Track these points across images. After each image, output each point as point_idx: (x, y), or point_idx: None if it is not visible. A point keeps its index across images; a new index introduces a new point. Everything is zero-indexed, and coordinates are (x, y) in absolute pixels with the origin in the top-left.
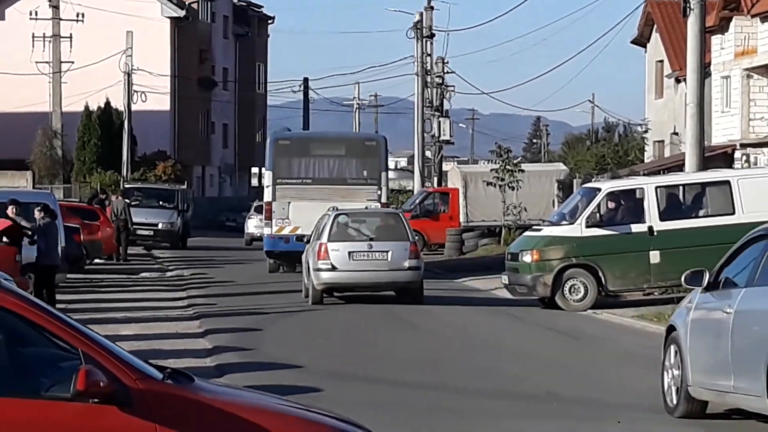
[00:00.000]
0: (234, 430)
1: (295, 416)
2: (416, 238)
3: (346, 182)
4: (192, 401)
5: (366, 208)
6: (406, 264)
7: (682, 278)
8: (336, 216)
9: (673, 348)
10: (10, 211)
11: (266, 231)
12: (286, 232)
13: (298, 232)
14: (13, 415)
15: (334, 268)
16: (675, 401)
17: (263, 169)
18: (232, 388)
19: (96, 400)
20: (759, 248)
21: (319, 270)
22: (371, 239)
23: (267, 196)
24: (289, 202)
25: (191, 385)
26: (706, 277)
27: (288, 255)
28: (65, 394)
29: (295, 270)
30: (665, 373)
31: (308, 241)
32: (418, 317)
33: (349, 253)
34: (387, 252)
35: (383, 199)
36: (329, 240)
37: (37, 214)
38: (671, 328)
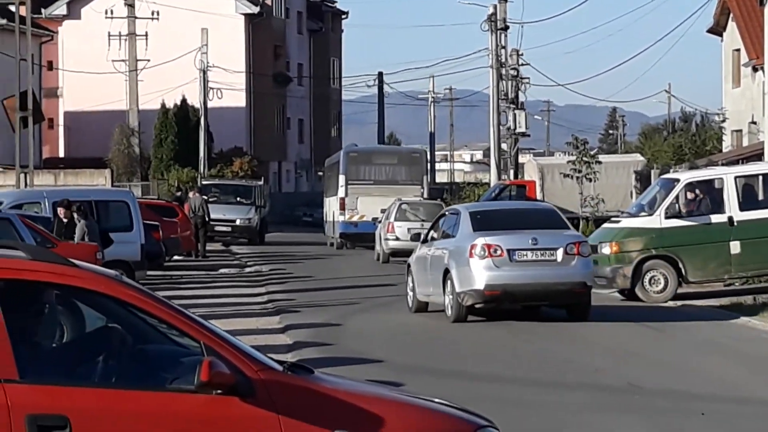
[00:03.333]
0: (355, 419)
1: (415, 406)
2: None
3: (398, 183)
4: (313, 391)
5: (420, 199)
6: None
7: (410, 236)
8: (400, 204)
9: (410, 276)
10: (61, 213)
11: (340, 218)
12: (355, 219)
13: (365, 219)
14: (142, 408)
15: (397, 239)
16: (411, 304)
17: (339, 174)
18: (350, 379)
19: (219, 391)
20: (441, 221)
21: (387, 240)
22: (423, 220)
23: (341, 193)
24: (357, 197)
25: (311, 376)
26: (422, 236)
27: (356, 236)
28: (189, 386)
29: (354, 248)
30: (407, 289)
31: (379, 221)
32: (497, 310)
33: (408, 229)
34: None
35: (425, 195)
36: (395, 220)
37: (76, 215)
38: (408, 265)
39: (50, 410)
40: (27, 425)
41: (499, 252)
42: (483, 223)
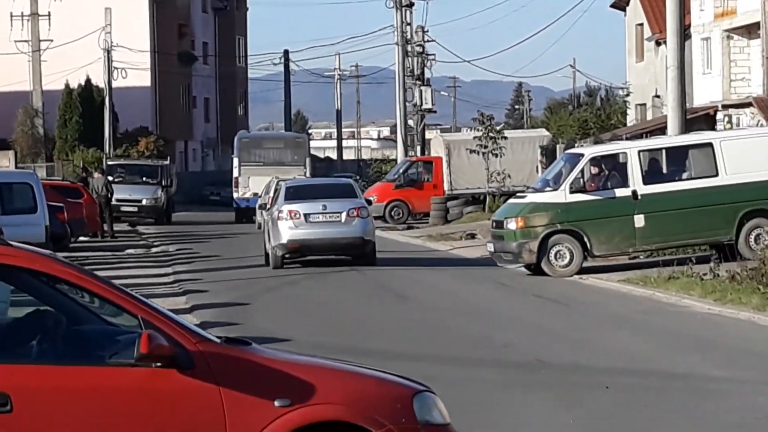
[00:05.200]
0: (295, 388)
1: (354, 373)
2: None
3: (284, 164)
4: (252, 362)
5: (294, 177)
6: None
7: (257, 205)
8: (278, 181)
9: (264, 234)
10: None
11: (235, 195)
12: (247, 195)
13: (255, 195)
14: (83, 383)
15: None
16: (266, 258)
17: (233, 156)
18: (286, 351)
19: (159, 364)
20: (276, 193)
21: (261, 207)
22: None
23: (235, 173)
24: (249, 177)
25: (249, 348)
26: (267, 205)
27: (248, 209)
28: (128, 360)
29: (252, 220)
30: (264, 244)
31: (260, 196)
32: (407, 287)
33: None
34: None
35: (308, 174)
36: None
37: None
38: (260, 225)
39: None
40: None
41: (298, 216)
42: (293, 194)
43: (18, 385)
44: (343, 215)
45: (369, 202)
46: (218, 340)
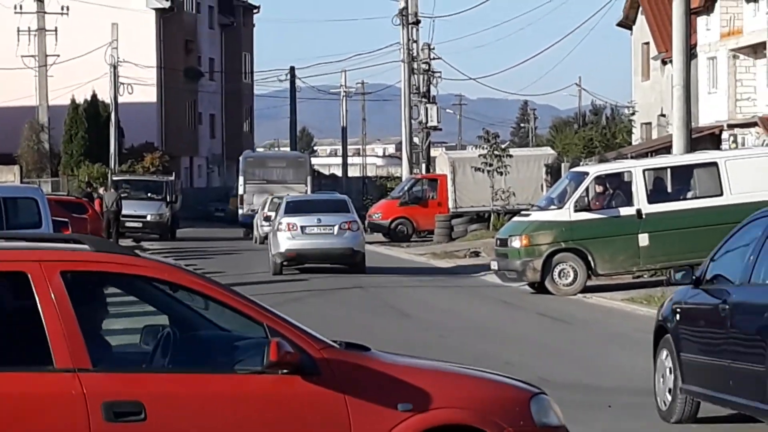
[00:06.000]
0: (418, 392)
1: (472, 376)
2: None
3: (286, 182)
4: (373, 368)
5: (287, 194)
6: None
7: (254, 220)
8: (272, 198)
9: (268, 246)
10: None
11: (240, 211)
12: (250, 212)
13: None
14: (213, 390)
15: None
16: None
17: (239, 175)
18: (404, 355)
19: (285, 371)
20: (278, 207)
21: (262, 226)
22: None
23: (240, 190)
24: (253, 194)
25: (369, 353)
26: (270, 218)
27: (252, 225)
28: (256, 367)
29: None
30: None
31: (257, 212)
32: (411, 305)
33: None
34: None
35: (308, 192)
36: (268, 211)
37: None
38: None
39: (125, 397)
40: (103, 412)
41: (295, 228)
42: (292, 208)
43: (151, 393)
44: (336, 228)
45: (363, 217)
46: (339, 346)
